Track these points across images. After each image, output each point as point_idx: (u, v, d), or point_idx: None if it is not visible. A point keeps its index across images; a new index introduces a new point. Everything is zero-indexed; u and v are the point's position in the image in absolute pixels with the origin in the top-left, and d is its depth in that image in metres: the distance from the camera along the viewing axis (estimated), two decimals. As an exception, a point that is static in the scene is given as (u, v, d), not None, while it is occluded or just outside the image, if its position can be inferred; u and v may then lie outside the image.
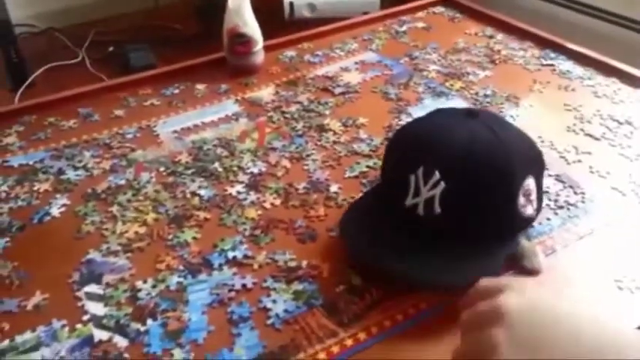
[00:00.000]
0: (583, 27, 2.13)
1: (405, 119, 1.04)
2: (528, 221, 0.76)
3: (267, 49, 1.25)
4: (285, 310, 0.70)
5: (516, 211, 0.72)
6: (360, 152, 0.97)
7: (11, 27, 2.16)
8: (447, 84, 1.15)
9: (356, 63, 1.24)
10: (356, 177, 0.92)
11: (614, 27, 2.07)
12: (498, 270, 0.71)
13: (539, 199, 0.77)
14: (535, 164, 0.77)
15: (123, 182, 0.92)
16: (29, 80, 2.14)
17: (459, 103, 1.09)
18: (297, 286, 0.74)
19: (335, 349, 0.66)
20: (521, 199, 0.73)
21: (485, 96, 1.10)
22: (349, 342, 0.67)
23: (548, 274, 0.74)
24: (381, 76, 1.19)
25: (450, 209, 0.70)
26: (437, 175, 0.70)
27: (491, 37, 1.31)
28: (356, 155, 0.97)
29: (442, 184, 0.70)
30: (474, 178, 0.70)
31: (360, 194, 0.86)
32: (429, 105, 1.08)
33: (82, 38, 2.46)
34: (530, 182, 0.74)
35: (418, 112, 1.06)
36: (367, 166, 0.94)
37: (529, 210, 0.74)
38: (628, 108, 1.05)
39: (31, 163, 0.97)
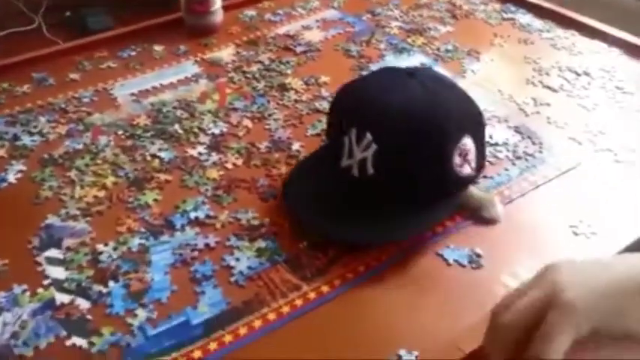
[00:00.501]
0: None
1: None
2: (467, 180, 0.75)
3: (226, 8, 1.23)
4: (249, 267, 0.71)
5: (451, 171, 0.71)
6: (321, 110, 0.97)
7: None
8: (409, 40, 1.14)
9: (317, 21, 1.22)
10: (317, 135, 0.92)
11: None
12: (438, 222, 0.73)
13: (480, 158, 0.76)
14: (473, 124, 0.76)
15: (80, 147, 0.90)
16: (-17, 48, 2.07)
17: (420, 59, 1.08)
18: (260, 243, 0.74)
19: (298, 302, 0.67)
20: (457, 159, 0.71)
21: (447, 51, 1.10)
22: (312, 295, 0.67)
23: (507, 223, 0.76)
24: (342, 34, 1.18)
25: (382, 170, 0.70)
26: (369, 136, 0.70)
27: (452, -9, 1.31)
28: (318, 113, 0.96)
29: (374, 146, 0.70)
30: (405, 140, 0.70)
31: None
32: (391, 62, 1.08)
33: (38, 4, 2.37)
34: (467, 142, 0.73)
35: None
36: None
37: (466, 170, 0.73)
38: (586, 59, 1.06)
39: (-16, 129, 0.95)
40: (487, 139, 0.88)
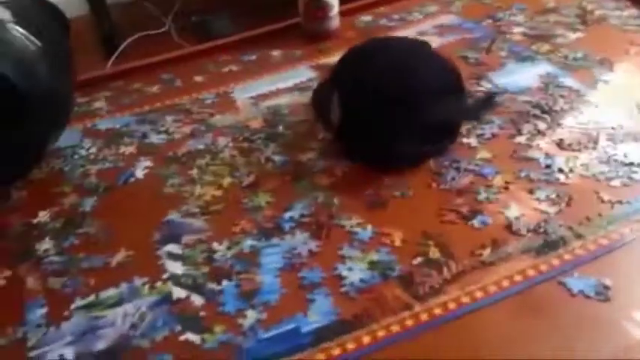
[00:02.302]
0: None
1: (485, 85, 1.00)
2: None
3: (343, 13, 1.23)
4: (361, 280, 0.70)
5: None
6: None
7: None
8: (533, 47, 1.08)
9: (434, 27, 1.19)
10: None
11: None
12: None
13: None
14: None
15: (202, 147, 0.94)
16: (120, 49, 2.22)
17: (545, 67, 1.02)
18: (373, 255, 0.73)
19: (409, 322, 0.65)
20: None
21: (575, 59, 1.03)
22: (424, 316, 0.65)
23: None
24: (461, 40, 1.14)
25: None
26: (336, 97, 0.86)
27: (583, -4, 1.22)
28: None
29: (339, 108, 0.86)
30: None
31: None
32: (512, 70, 1.03)
33: (169, 8, 2.52)
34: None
35: (499, 77, 1.01)
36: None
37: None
38: None
39: (117, 127, 1.02)
40: (621, 157, 0.82)
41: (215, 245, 0.77)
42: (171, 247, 0.77)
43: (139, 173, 0.91)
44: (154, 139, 0.97)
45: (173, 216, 0.82)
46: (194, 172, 0.89)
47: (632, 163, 0.81)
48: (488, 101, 0.95)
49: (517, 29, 1.14)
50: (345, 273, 0.71)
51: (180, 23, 2.45)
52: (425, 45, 0.96)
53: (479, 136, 0.89)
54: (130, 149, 0.96)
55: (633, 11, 1.15)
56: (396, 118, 0.82)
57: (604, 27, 1.12)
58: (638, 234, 0.71)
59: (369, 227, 0.77)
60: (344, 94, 0.87)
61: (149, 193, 0.87)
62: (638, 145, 0.84)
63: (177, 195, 0.85)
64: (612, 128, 0.87)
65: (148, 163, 0.92)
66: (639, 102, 0.91)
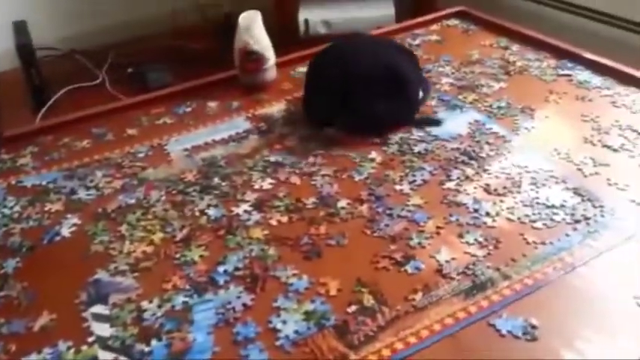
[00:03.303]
0: (601, 35, 2.09)
1: (416, 133, 1.03)
2: None
3: (279, 65, 1.25)
4: (296, 332, 0.69)
5: None
6: (371, 159, 0.97)
7: (33, 50, 2.21)
8: (461, 97, 1.13)
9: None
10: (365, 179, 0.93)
11: (632, 35, 2.03)
12: None
13: None
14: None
15: (133, 201, 0.92)
16: (50, 102, 2.18)
17: (473, 115, 1.07)
18: (308, 305, 0.72)
19: (343, 373, 0.64)
20: None
21: (499, 108, 1.08)
22: (358, 364, 0.65)
23: (567, 292, 0.72)
24: (393, 90, 1.17)
25: None
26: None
27: (506, 48, 1.29)
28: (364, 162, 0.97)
29: None
30: None
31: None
32: (442, 118, 1.06)
33: (103, 60, 2.51)
34: None
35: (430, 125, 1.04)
36: (372, 168, 0.95)
37: None
38: (648, 117, 1.02)
39: (44, 183, 0.98)
40: (543, 200, 0.85)
41: (145, 304, 0.74)
42: (98, 308, 0.74)
43: (66, 231, 0.87)
44: (83, 195, 0.95)
45: (101, 275, 0.79)
46: (124, 228, 0.87)
47: (553, 206, 0.84)
48: (433, 122, 1.05)
49: (445, 79, 1.19)
50: (279, 326, 0.70)
51: (115, 75, 2.43)
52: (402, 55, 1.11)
53: (411, 182, 0.92)
54: (56, 206, 0.93)
55: (552, 62, 1.22)
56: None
57: (525, 77, 1.18)
58: (560, 273, 0.74)
59: (305, 277, 0.76)
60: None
61: (76, 252, 0.83)
62: (558, 188, 0.88)
63: (106, 253, 0.83)
64: (534, 172, 0.91)
65: (76, 221, 0.89)
66: (558, 147, 0.96)
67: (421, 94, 1.08)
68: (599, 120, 1.02)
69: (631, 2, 2.02)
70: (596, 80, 1.14)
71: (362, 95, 1.02)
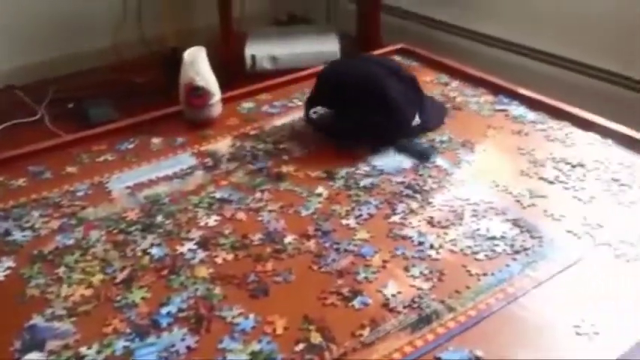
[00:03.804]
0: (535, 72, 2.19)
1: (362, 167, 1.04)
2: None
3: (225, 101, 1.25)
4: (241, 373, 0.67)
5: None
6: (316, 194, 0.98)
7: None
8: (404, 131, 1.15)
9: (314, 112, 1.24)
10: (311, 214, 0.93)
11: (564, 72, 2.14)
12: None
13: None
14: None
15: (71, 242, 0.89)
16: (-16, 140, 2.11)
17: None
18: (254, 346, 0.71)
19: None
20: None
21: (442, 142, 1.11)
22: (305, 404, 0.64)
23: (508, 322, 0.73)
24: (338, 126, 1.19)
25: None
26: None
27: (446, 84, 1.34)
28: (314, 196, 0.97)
29: None
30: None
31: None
32: (386, 153, 1.08)
33: (43, 95, 2.44)
34: None
35: (376, 160, 1.06)
36: (319, 202, 0.95)
37: None
38: (580, 151, 1.07)
39: (-25, 225, 0.94)
40: (484, 232, 0.87)
41: (83, 350, 0.71)
42: (34, 356, 0.71)
43: (0, 275, 0.83)
44: (18, 236, 0.91)
45: (36, 320, 0.75)
46: (61, 270, 0.83)
47: (494, 237, 0.87)
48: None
49: (388, 114, 1.22)
50: (225, 368, 0.68)
51: (55, 110, 2.37)
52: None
53: (357, 217, 0.92)
54: (-11, 249, 0.88)
55: (489, 97, 1.27)
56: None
57: (465, 112, 1.22)
58: (502, 303, 0.76)
59: (252, 316, 0.75)
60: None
61: (10, 297, 0.80)
62: (498, 220, 0.90)
63: (42, 297, 0.79)
64: (475, 204, 0.94)
65: (10, 264, 0.85)
66: (497, 179, 0.99)
67: (417, 120, 1.12)
68: (535, 153, 1.06)
69: (562, 39, 2.14)
70: (531, 115, 1.19)
71: (344, 105, 1.12)
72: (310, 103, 1.19)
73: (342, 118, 1.13)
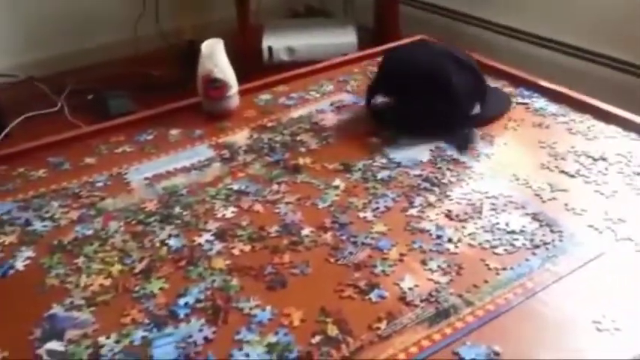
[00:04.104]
0: (557, 64, 2.16)
1: (379, 160, 1.03)
2: None
3: (242, 92, 1.25)
4: (258, 365, 0.68)
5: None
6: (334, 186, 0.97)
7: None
8: (422, 124, 1.14)
9: (331, 104, 1.24)
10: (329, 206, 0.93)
11: (587, 64, 2.10)
12: None
13: None
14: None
15: (90, 232, 0.90)
16: (6, 130, 2.13)
17: (434, 142, 1.08)
18: (271, 337, 0.71)
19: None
20: None
21: (460, 135, 1.10)
22: (323, 398, 0.64)
23: (528, 317, 0.72)
24: (356, 117, 1.18)
25: None
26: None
27: (465, 76, 1.32)
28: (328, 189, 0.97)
29: None
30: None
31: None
32: (404, 144, 1.08)
33: (63, 87, 2.47)
34: None
35: (394, 152, 1.05)
36: (336, 195, 0.95)
37: None
38: (602, 144, 1.05)
39: (-3, 214, 0.95)
40: (503, 226, 0.86)
41: (102, 339, 0.72)
42: (53, 345, 0.71)
43: (20, 265, 0.84)
44: (38, 226, 0.92)
45: (56, 310, 0.76)
46: (80, 260, 0.84)
47: (513, 231, 0.86)
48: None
49: (406, 106, 1.21)
50: (241, 359, 0.68)
51: (74, 102, 2.39)
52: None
53: (374, 209, 0.92)
54: (10, 239, 0.89)
55: (510, 89, 1.25)
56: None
57: (484, 104, 1.21)
58: (521, 298, 0.75)
59: (269, 308, 0.75)
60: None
61: (30, 286, 0.81)
62: (517, 214, 0.89)
63: (61, 287, 0.80)
64: (494, 198, 0.92)
65: (30, 253, 0.86)
66: (517, 173, 0.98)
67: (478, 109, 1.11)
68: (556, 146, 1.05)
69: (585, 31, 2.11)
70: (552, 108, 1.17)
71: (406, 94, 1.11)
72: (371, 92, 1.18)
73: (404, 107, 1.12)
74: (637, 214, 0.88)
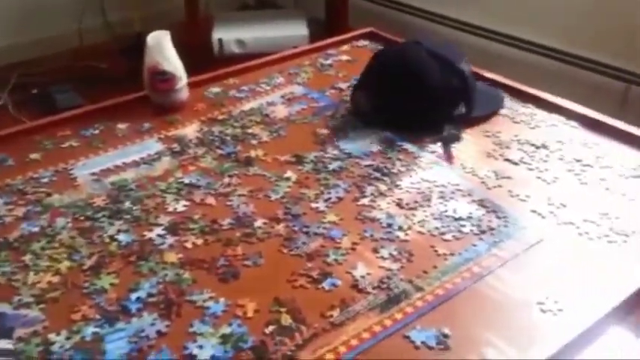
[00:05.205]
0: (499, 55, 2.22)
1: (330, 151, 1.04)
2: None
3: (192, 85, 1.24)
4: (213, 357, 0.68)
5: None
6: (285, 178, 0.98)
7: None
8: (373, 115, 1.16)
9: (282, 97, 1.24)
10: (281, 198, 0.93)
11: (529, 54, 2.18)
12: None
13: None
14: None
15: (37, 229, 0.87)
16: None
17: (385, 133, 1.09)
18: (225, 329, 0.71)
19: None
20: None
21: (409, 125, 1.12)
22: (276, 385, 0.64)
23: (475, 301, 0.75)
24: (307, 109, 1.19)
25: None
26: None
27: (414, 68, 1.34)
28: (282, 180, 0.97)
29: None
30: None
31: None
32: (354, 136, 1.09)
33: (6, 81, 2.38)
34: None
35: (344, 143, 1.07)
36: (288, 187, 0.95)
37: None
38: (544, 132, 1.09)
39: (-64, 214, 0.91)
40: (451, 213, 0.89)
41: (52, 336, 0.70)
42: (2, 344, 0.70)
43: (-37, 264, 0.82)
44: (-19, 224, 0.89)
45: (4, 308, 0.74)
46: (28, 257, 0.82)
47: (460, 218, 0.88)
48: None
49: (357, 98, 1.22)
50: (195, 351, 0.68)
51: (18, 97, 2.31)
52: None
53: (326, 200, 0.93)
54: (-49, 237, 0.86)
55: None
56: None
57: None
58: (469, 282, 0.77)
59: (222, 300, 0.75)
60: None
61: (-26, 286, 0.78)
62: (465, 201, 0.92)
63: (9, 285, 0.78)
64: (443, 186, 0.95)
65: (-26, 252, 0.84)
66: (464, 162, 1.01)
67: (462, 109, 1.11)
68: (500, 135, 1.08)
69: (525, 21, 2.17)
70: (497, 98, 1.20)
71: (385, 93, 1.12)
72: (355, 89, 1.19)
73: (383, 105, 1.12)
74: (577, 199, 0.92)
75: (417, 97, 1.09)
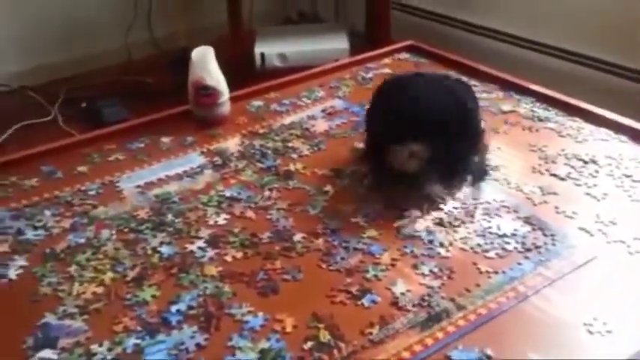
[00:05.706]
0: (546, 68, 2.17)
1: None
2: None
3: (234, 99, 1.25)
4: (251, 371, 0.68)
5: None
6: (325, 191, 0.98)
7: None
8: (413, 129, 1.15)
9: (323, 111, 1.24)
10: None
11: (575, 66, 2.12)
12: None
13: None
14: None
15: (82, 241, 0.90)
16: (-1, 140, 2.13)
17: (425, 147, 1.08)
18: (264, 343, 0.71)
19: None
20: None
21: (451, 139, 1.10)
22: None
23: (520, 320, 0.73)
24: (347, 123, 1.19)
25: None
26: None
27: (456, 81, 1.32)
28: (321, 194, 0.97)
29: None
30: None
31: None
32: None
33: (55, 96, 2.46)
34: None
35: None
36: (325, 201, 0.95)
37: None
38: (592, 147, 1.06)
39: (-11, 224, 0.95)
40: (495, 230, 0.87)
41: (94, 347, 0.72)
42: (46, 353, 0.71)
43: (12, 274, 0.84)
44: (30, 235, 0.91)
45: (49, 318, 0.76)
46: (73, 268, 0.84)
47: (505, 235, 0.86)
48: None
49: (398, 111, 1.21)
50: (234, 366, 0.68)
51: (67, 111, 2.39)
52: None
53: (365, 215, 0.92)
54: (2, 248, 0.89)
55: (499, 93, 1.26)
56: None
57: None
58: (513, 302, 0.75)
59: (261, 314, 0.75)
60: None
61: (23, 295, 0.80)
62: (509, 217, 0.90)
63: (54, 295, 0.80)
64: (487, 202, 0.93)
65: (23, 262, 0.86)
66: (508, 177, 0.99)
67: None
68: (546, 149, 1.05)
69: (573, 34, 2.12)
70: (542, 111, 1.18)
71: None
72: (389, 143, 0.96)
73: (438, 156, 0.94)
74: (628, 217, 0.89)
75: (457, 134, 0.95)
